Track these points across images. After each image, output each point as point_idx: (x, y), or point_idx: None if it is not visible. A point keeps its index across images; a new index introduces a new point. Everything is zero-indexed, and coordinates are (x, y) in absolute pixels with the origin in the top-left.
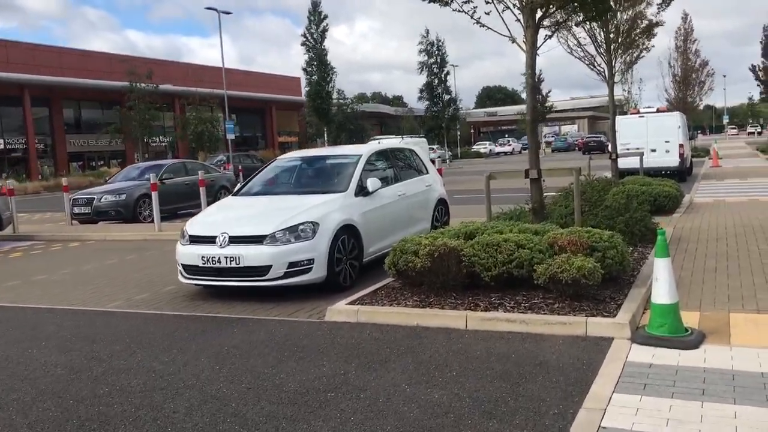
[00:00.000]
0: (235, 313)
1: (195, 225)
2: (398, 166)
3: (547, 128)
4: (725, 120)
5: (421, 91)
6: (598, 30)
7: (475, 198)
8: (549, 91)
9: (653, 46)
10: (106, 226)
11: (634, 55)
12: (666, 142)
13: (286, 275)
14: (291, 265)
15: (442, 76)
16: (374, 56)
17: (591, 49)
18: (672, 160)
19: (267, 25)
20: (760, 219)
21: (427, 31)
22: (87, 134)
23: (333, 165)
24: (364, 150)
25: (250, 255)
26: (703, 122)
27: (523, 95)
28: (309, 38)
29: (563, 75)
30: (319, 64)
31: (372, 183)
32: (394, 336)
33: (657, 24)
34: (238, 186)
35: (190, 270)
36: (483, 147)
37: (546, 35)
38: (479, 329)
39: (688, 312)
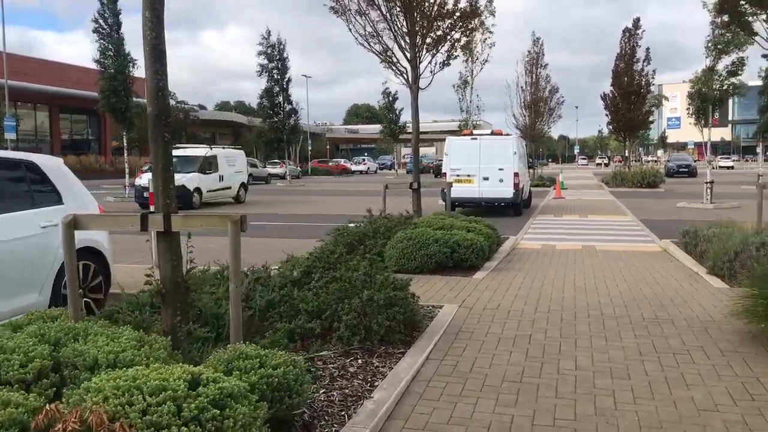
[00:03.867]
0: None
1: None
2: None
3: (405, 149)
4: (576, 150)
5: (261, 97)
6: (398, 13)
7: (286, 227)
8: (401, 109)
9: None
10: None
11: (446, 53)
12: (500, 169)
13: None
14: None
15: (284, 83)
16: (247, 65)
17: (390, 41)
18: (506, 191)
19: (130, 25)
20: (586, 289)
21: (269, 32)
22: None
23: None
24: None
25: None
26: (557, 151)
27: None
28: (102, 24)
29: (437, 100)
30: (115, 55)
31: None
32: None
33: (473, 14)
34: None
35: None
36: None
37: None
38: None
39: None
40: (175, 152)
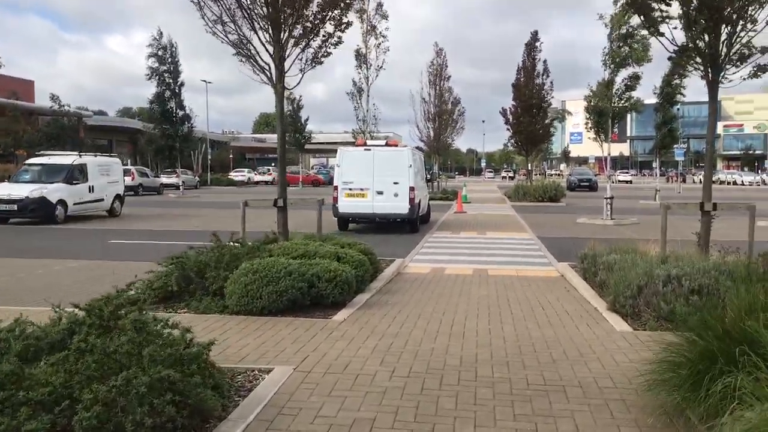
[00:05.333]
0: None
1: None
2: None
3: (314, 159)
4: (483, 163)
5: (151, 102)
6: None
7: (147, 247)
8: (307, 118)
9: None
10: None
11: (318, 48)
12: (395, 183)
13: None
14: None
15: (176, 88)
16: None
17: (249, 31)
18: (401, 206)
19: (28, 26)
20: (465, 335)
21: (160, 33)
22: None
23: None
24: None
25: None
26: (465, 164)
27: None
28: None
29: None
30: None
31: None
32: None
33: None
34: None
35: None
36: (240, 174)
37: None
38: None
39: None
40: (38, 160)
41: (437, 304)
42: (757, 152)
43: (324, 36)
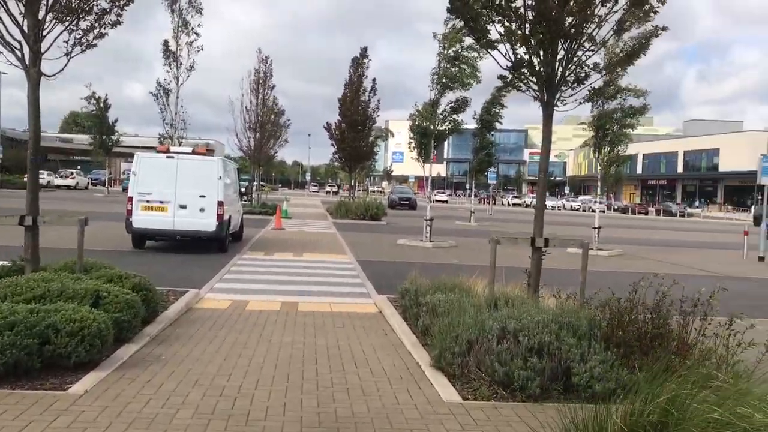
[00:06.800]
0: None
1: None
2: None
3: (126, 164)
4: (308, 177)
5: None
6: None
7: None
8: (116, 120)
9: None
10: None
11: (88, 25)
12: (201, 197)
13: None
14: None
15: None
16: None
17: None
18: (207, 223)
19: None
20: (249, 416)
21: None
22: None
23: None
24: None
25: None
26: (290, 177)
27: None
28: None
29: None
30: None
31: None
32: None
33: None
34: None
35: None
36: (40, 177)
37: None
38: None
39: None
40: None
41: (225, 360)
42: (557, 179)
43: (97, 12)
